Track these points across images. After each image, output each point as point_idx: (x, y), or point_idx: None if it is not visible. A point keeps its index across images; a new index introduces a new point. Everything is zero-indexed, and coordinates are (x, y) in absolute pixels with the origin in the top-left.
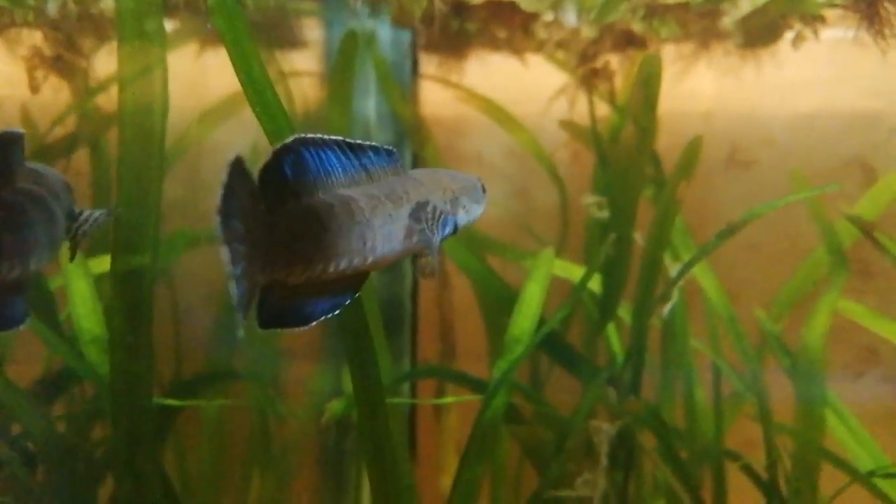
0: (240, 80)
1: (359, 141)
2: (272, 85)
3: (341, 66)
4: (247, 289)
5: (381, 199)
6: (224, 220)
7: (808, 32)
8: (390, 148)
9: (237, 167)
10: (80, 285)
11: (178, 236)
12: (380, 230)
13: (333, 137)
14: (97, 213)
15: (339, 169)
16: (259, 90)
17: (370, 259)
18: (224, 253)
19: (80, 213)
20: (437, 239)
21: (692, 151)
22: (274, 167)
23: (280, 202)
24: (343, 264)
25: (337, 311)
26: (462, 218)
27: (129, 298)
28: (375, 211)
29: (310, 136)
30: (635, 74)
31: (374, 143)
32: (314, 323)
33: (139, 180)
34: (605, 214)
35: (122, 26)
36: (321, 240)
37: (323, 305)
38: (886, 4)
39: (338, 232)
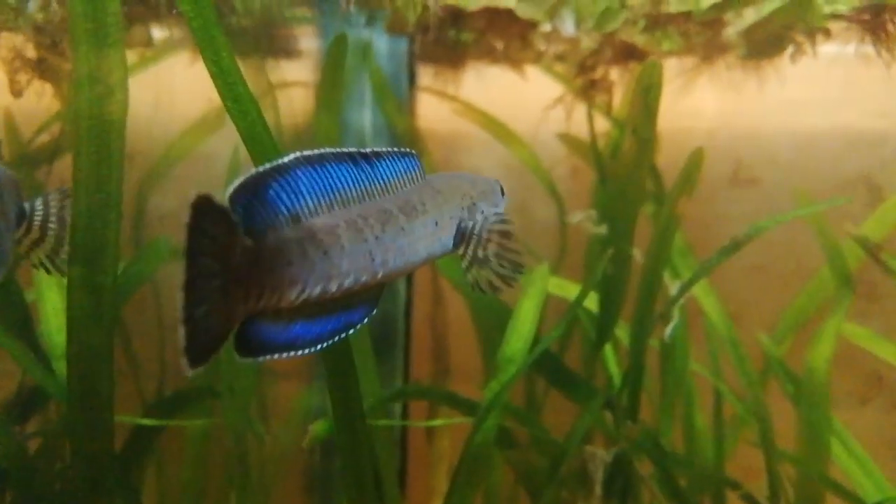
0: (209, 72)
1: (374, 149)
2: (243, 78)
3: (330, 70)
4: (206, 329)
5: (392, 212)
6: (192, 261)
7: (808, 47)
8: (409, 152)
9: (203, 205)
10: (52, 297)
11: (159, 243)
12: (391, 244)
13: (342, 150)
14: (51, 198)
15: (347, 183)
16: (230, 82)
17: (381, 273)
18: (180, 297)
19: (33, 207)
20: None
21: (693, 164)
22: (252, 192)
23: (255, 230)
24: (333, 287)
25: (351, 330)
26: (480, 224)
27: (87, 309)
28: (386, 226)
29: (310, 153)
30: (635, 83)
31: (391, 150)
32: (325, 344)
33: (97, 188)
34: (602, 230)
35: (75, 27)
36: (291, 270)
37: (332, 323)
38: (893, 17)
39: (317, 259)
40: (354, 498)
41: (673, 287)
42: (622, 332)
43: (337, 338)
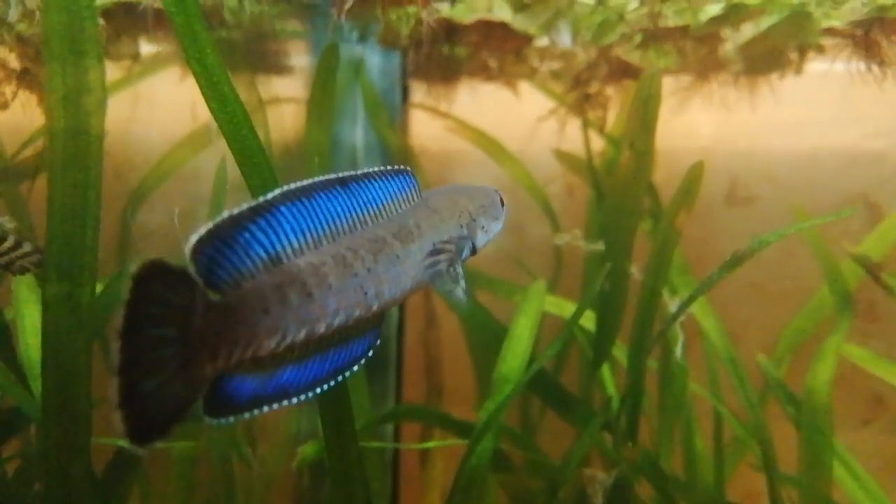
0: (192, 71)
1: (365, 171)
2: (229, 78)
3: (322, 80)
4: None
5: (385, 240)
6: (128, 337)
7: (801, 64)
8: (403, 169)
9: (148, 272)
10: (31, 314)
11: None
12: (385, 275)
13: (330, 178)
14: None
15: (336, 214)
16: (214, 82)
17: (376, 305)
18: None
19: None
20: (459, 271)
21: (693, 178)
22: (221, 239)
23: (224, 280)
24: (321, 328)
25: (355, 367)
26: (481, 239)
27: (63, 326)
28: (379, 256)
29: (295, 186)
30: (634, 95)
31: (383, 170)
32: (324, 387)
33: (74, 204)
34: (599, 247)
35: (50, 42)
36: (267, 319)
37: (329, 363)
38: (880, 37)
39: (299, 303)
40: None
41: (672, 304)
42: (620, 352)
43: (340, 377)
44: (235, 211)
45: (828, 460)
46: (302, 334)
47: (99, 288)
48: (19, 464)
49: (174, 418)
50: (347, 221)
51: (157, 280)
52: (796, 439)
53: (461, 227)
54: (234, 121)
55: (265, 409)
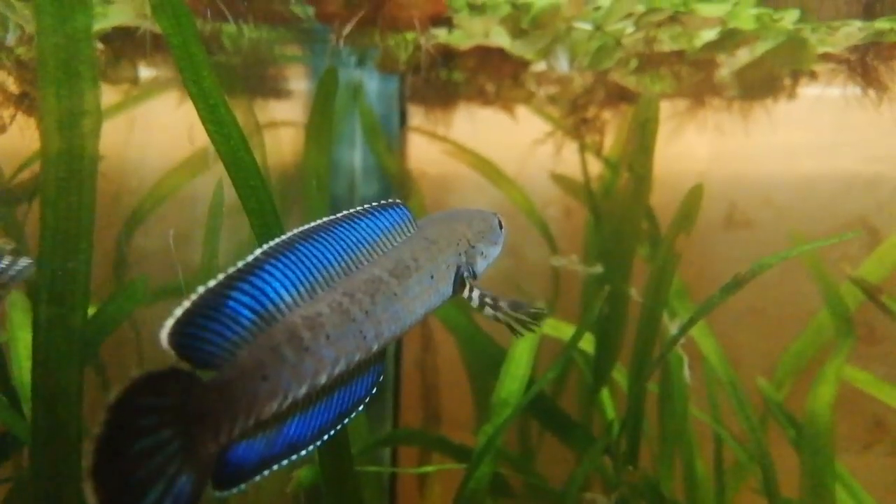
0: (189, 93)
1: (355, 210)
2: (226, 100)
3: (320, 103)
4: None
5: (382, 279)
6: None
7: (795, 89)
8: (394, 203)
9: (136, 385)
10: (24, 337)
11: (137, 283)
12: (384, 315)
13: (315, 225)
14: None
15: (327, 259)
16: (211, 104)
17: (376, 346)
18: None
19: None
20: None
21: (692, 201)
22: (204, 315)
23: (215, 355)
24: (322, 380)
25: (360, 407)
26: (481, 265)
27: (55, 349)
28: (376, 297)
29: (275, 242)
30: (631, 118)
31: (373, 206)
32: (332, 433)
33: (66, 229)
34: (598, 270)
35: (45, 65)
36: (266, 385)
37: (334, 408)
38: (876, 62)
39: (297, 360)
40: None
41: (672, 327)
42: (620, 375)
43: (346, 420)
44: (213, 282)
45: (830, 483)
46: (303, 390)
47: (92, 311)
48: (10, 488)
49: None
50: (340, 265)
51: (139, 396)
52: (797, 463)
53: (459, 255)
54: (231, 143)
55: (275, 467)
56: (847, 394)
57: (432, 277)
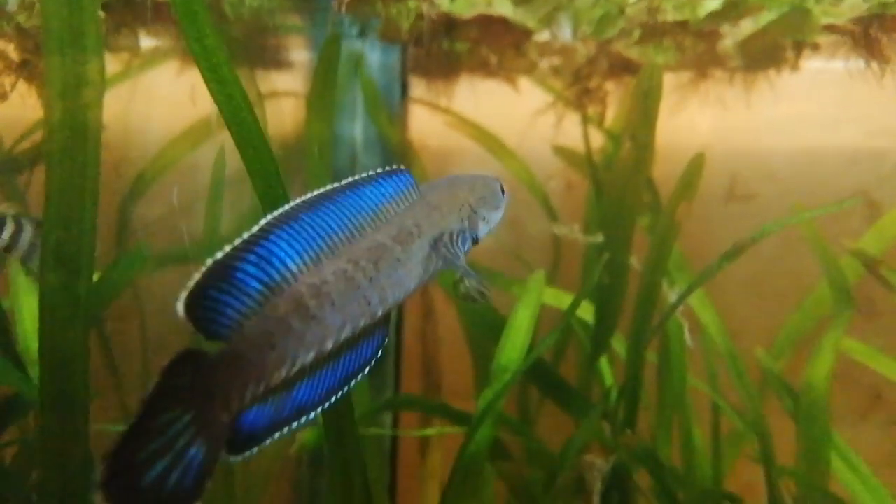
0: (192, 52)
1: (358, 177)
2: (229, 60)
3: (323, 71)
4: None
5: (385, 245)
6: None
7: (797, 61)
8: (398, 169)
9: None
10: (28, 302)
11: (140, 250)
12: (388, 280)
13: (320, 193)
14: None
15: (331, 227)
16: (214, 63)
17: (381, 311)
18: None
19: None
20: (461, 261)
21: (694, 170)
22: (213, 287)
23: (224, 326)
24: (329, 346)
25: (367, 369)
26: (483, 230)
27: (60, 314)
28: (380, 264)
29: (281, 211)
30: (634, 87)
31: (377, 173)
32: (339, 395)
33: (72, 194)
34: (598, 239)
35: (49, 34)
36: (275, 353)
37: (340, 370)
38: (880, 34)
39: (304, 329)
40: None
41: (672, 295)
42: (619, 344)
43: (353, 382)
44: (222, 253)
45: (825, 452)
46: (311, 356)
47: (96, 278)
48: (17, 451)
49: (206, 477)
50: (344, 233)
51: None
52: (794, 433)
53: (462, 220)
54: (234, 103)
55: (285, 431)
56: (845, 366)
57: (435, 242)
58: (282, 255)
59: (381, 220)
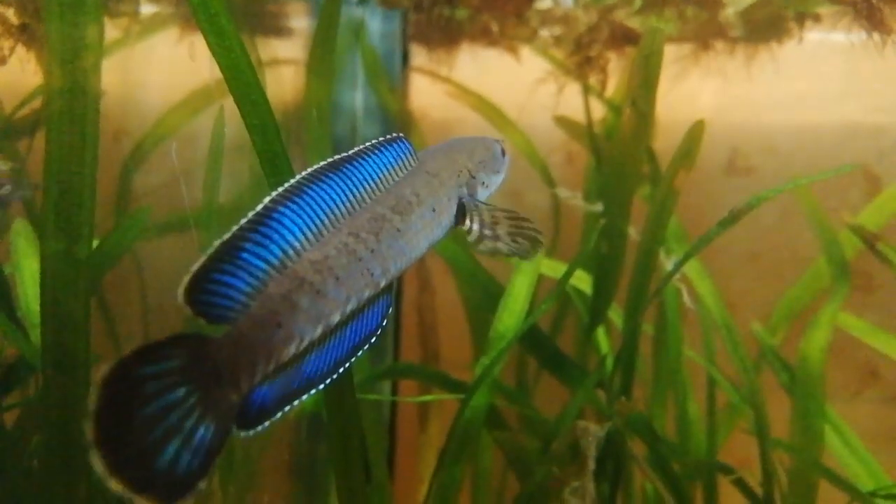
0: (190, 2)
1: (358, 149)
2: (228, 11)
3: (322, 34)
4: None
5: (385, 216)
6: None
7: (798, 33)
8: (397, 137)
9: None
10: (29, 265)
11: (140, 214)
12: (389, 251)
13: (321, 166)
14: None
15: (333, 201)
16: (212, 13)
17: (384, 282)
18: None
19: None
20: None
21: (693, 137)
22: (218, 269)
23: (231, 309)
24: (335, 319)
25: (373, 339)
26: (482, 194)
27: (62, 278)
28: (381, 235)
29: (286, 187)
30: (636, 52)
31: (376, 143)
32: (347, 366)
33: (70, 164)
34: (598, 207)
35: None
36: (282, 332)
37: (348, 340)
38: (882, 4)
39: (310, 305)
40: (342, 470)
41: (669, 263)
42: (616, 315)
43: (360, 352)
44: (227, 235)
45: (819, 426)
46: (318, 331)
47: (96, 243)
48: (18, 415)
49: (214, 456)
50: (346, 205)
51: (135, 367)
52: (789, 408)
53: (461, 186)
54: (232, 56)
55: (295, 403)
56: (841, 341)
57: (434, 210)
58: (285, 232)
59: (380, 189)
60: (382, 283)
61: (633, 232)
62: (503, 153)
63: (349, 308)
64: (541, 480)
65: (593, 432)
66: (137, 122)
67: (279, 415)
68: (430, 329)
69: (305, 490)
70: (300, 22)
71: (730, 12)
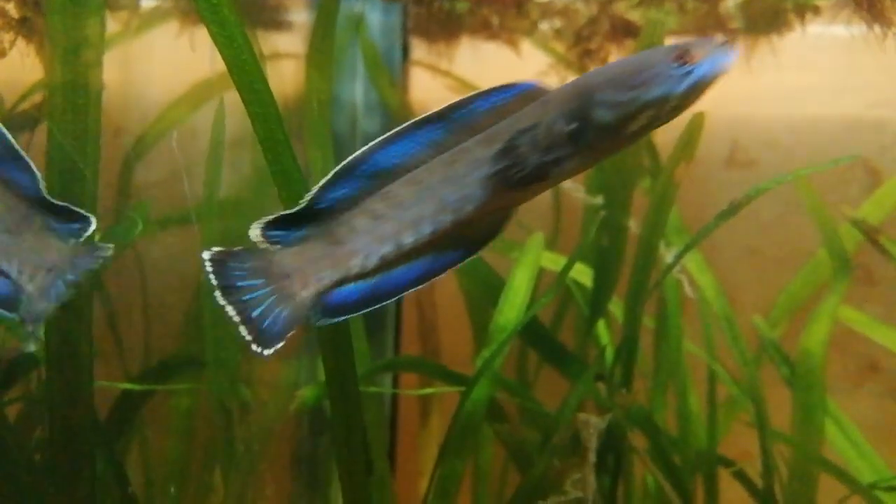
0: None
1: (488, 90)
2: (230, 2)
3: (321, 26)
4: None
5: (467, 148)
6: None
7: (798, 25)
8: (526, 82)
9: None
10: None
11: (141, 208)
12: (466, 179)
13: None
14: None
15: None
16: (214, 3)
17: (467, 207)
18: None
19: None
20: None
21: (693, 129)
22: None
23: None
24: (407, 240)
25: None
26: (606, 116)
27: None
28: (456, 165)
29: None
30: (637, 44)
31: (505, 85)
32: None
33: (69, 158)
34: (598, 200)
35: None
36: (343, 248)
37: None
38: None
39: (371, 227)
40: (344, 463)
41: (669, 256)
42: (617, 308)
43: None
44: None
45: (820, 419)
46: (389, 248)
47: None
48: (21, 408)
49: (289, 330)
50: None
51: (225, 261)
52: (789, 401)
53: (569, 115)
54: (235, 45)
55: (376, 306)
56: (841, 335)
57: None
58: (375, 168)
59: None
60: (467, 209)
61: (634, 225)
62: (680, 55)
63: (427, 230)
64: (542, 473)
65: (594, 425)
66: (138, 117)
67: (360, 312)
68: (430, 323)
69: (307, 483)
70: (300, 15)
71: (730, 4)
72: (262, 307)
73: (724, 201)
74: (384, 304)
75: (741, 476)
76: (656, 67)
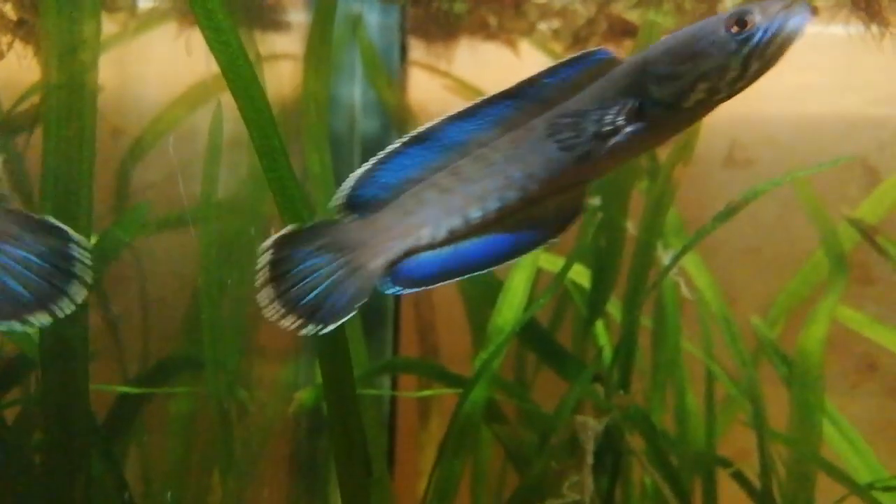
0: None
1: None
2: (225, 7)
3: (319, 26)
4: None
5: (533, 126)
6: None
7: None
8: (600, 51)
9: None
10: None
11: (139, 209)
12: (531, 156)
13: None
14: None
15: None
16: (209, 9)
17: (535, 185)
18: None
19: None
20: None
21: (691, 131)
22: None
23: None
24: (476, 214)
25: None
26: (663, 90)
27: None
28: (523, 142)
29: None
30: (634, 46)
31: (581, 54)
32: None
33: (68, 161)
34: (596, 201)
35: None
36: (411, 218)
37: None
38: None
39: (439, 199)
40: (343, 464)
41: (666, 257)
42: (615, 308)
43: (525, 252)
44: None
45: (818, 419)
46: (457, 221)
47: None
48: (19, 411)
49: (356, 302)
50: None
51: (288, 241)
52: (788, 401)
53: (627, 92)
54: (230, 51)
55: (450, 281)
56: (839, 334)
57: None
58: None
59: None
60: (532, 187)
61: (632, 226)
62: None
63: (492, 206)
64: (540, 474)
65: (592, 426)
66: (135, 118)
67: (430, 286)
68: (428, 323)
69: (306, 484)
70: (298, 16)
71: (728, 5)
72: (328, 283)
73: (722, 200)
74: (456, 278)
75: (739, 476)
76: (710, 36)
